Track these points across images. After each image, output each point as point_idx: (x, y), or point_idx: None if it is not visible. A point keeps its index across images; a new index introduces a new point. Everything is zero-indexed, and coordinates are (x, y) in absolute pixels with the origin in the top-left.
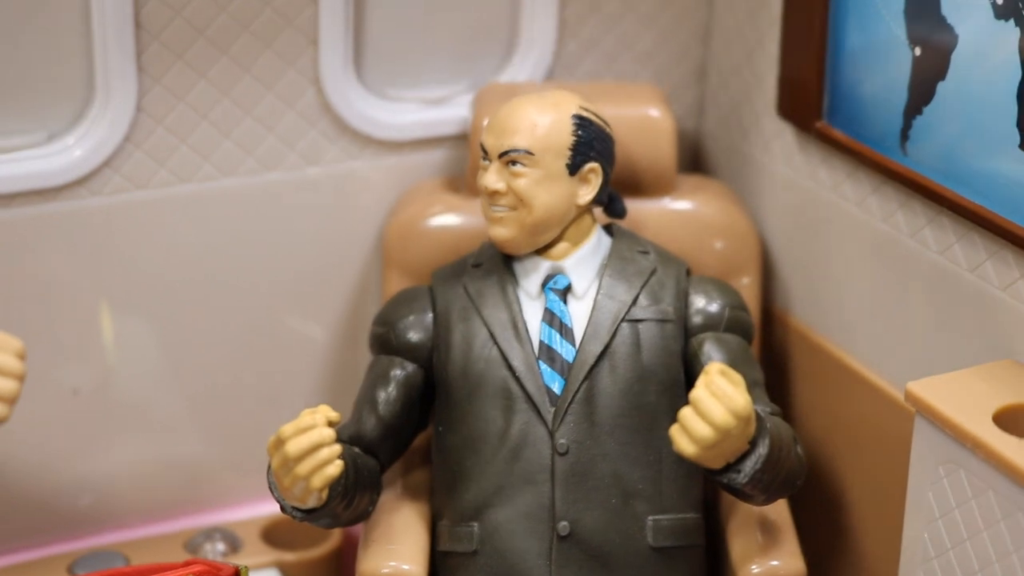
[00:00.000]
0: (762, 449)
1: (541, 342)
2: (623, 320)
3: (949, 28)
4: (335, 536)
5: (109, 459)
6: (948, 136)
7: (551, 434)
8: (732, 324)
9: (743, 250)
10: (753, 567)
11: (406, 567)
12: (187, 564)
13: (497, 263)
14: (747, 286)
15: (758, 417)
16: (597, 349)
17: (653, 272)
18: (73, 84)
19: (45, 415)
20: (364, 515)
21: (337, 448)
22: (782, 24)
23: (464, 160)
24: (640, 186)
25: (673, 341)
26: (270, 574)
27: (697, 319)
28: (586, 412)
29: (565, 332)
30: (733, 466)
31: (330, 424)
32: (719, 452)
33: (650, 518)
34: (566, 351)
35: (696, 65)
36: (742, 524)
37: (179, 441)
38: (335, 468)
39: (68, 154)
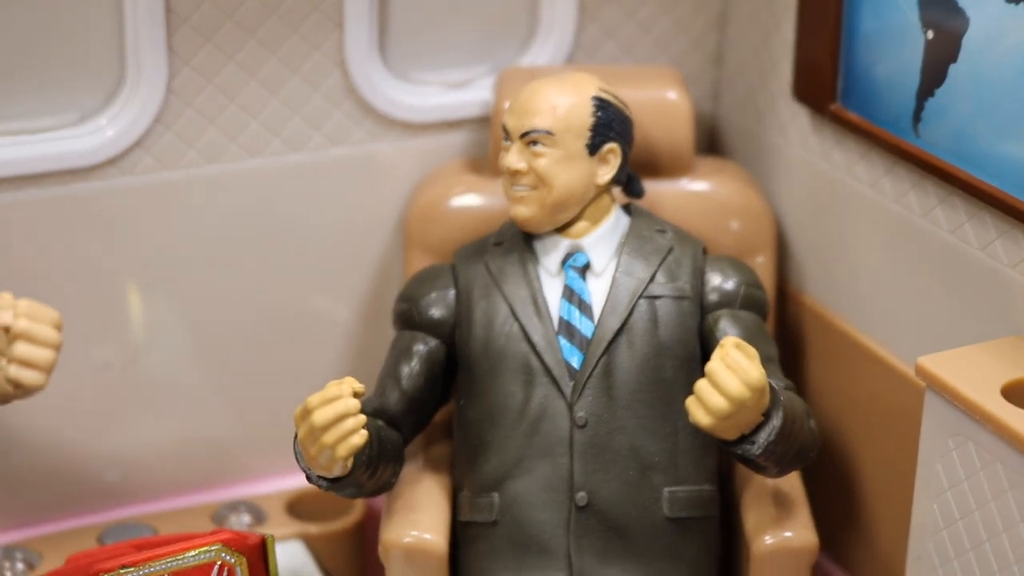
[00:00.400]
0: (776, 421)
1: (560, 318)
2: (641, 296)
3: (961, 11)
4: (358, 508)
5: (138, 433)
6: (960, 117)
7: (570, 407)
8: (747, 301)
9: (758, 230)
10: (767, 538)
11: (428, 536)
12: (214, 533)
13: (518, 242)
14: (762, 265)
15: (772, 390)
16: (615, 325)
17: (670, 250)
18: (105, 66)
19: (76, 389)
20: (387, 486)
21: (362, 418)
22: (797, 8)
23: (485, 142)
24: (658, 167)
25: (690, 317)
26: (295, 545)
27: (713, 296)
28: (604, 386)
29: (584, 308)
30: (747, 437)
31: (355, 395)
32: (734, 423)
33: (666, 489)
34: (585, 327)
35: (713, 50)
36: (756, 496)
37: (206, 416)
38: (360, 438)
39: (100, 135)
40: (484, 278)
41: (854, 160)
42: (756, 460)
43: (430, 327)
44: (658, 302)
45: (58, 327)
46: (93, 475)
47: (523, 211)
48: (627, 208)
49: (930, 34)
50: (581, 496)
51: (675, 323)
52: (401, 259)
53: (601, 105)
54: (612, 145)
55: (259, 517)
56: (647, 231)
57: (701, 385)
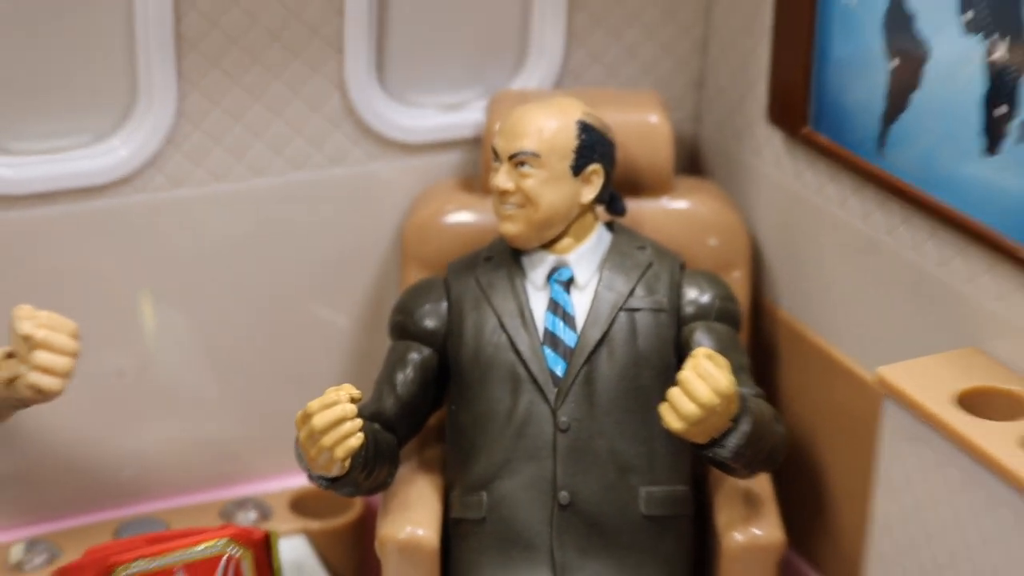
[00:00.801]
0: (744, 426)
1: (545, 329)
2: (621, 309)
3: (922, 42)
4: (357, 506)
5: (151, 435)
6: (921, 141)
7: (553, 413)
8: (721, 314)
9: (735, 246)
10: (737, 535)
11: (421, 532)
12: (221, 528)
13: (506, 257)
14: (738, 280)
15: (741, 397)
16: (596, 335)
17: (649, 266)
18: (118, 90)
19: (93, 395)
20: (383, 485)
21: (358, 422)
22: (772, 38)
23: (478, 162)
24: (640, 186)
25: (667, 329)
26: (298, 540)
27: (689, 309)
28: (586, 393)
29: (568, 320)
30: (718, 441)
31: (352, 400)
32: (704, 428)
33: (643, 489)
34: (568, 337)
35: (695, 73)
36: (728, 496)
37: (214, 419)
38: (356, 440)
39: (114, 155)
40: (475, 291)
41: (824, 181)
42: (726, 462)
43: (424, 337)
44: (637, 314)
45: (75, 336)
46: (110, 474)
47: (511, 228)
48: (610, 225)
49: (894, 63)
50: (563, 495)
51: (653, 334)
52: (398, 271)
53: (585, 129)
54: (595, 166)
55: (265, 513)
56: (628, 248)
57: (674, 392)
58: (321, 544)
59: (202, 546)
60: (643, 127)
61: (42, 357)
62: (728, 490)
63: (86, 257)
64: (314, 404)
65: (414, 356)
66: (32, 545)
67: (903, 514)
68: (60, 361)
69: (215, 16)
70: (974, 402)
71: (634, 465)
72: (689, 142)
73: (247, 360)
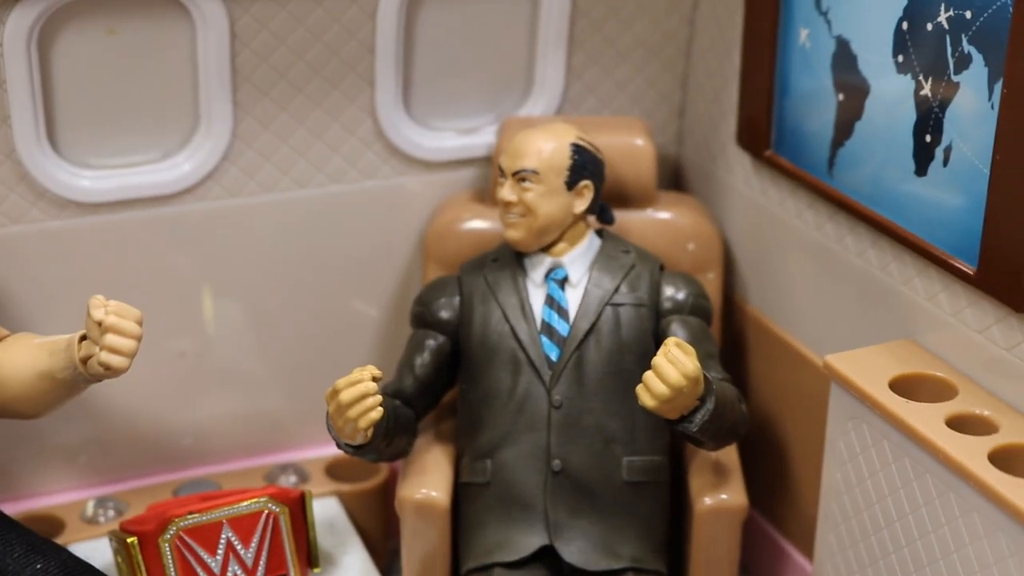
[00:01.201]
0: (709, 404)
1: (543, 320)
2: (607, 304)
3: (864, 80)
4: (383, 471)
5: (206, 408)
6: (865, 164)
7: (548, 392)
8: (695, 309)
9: (710, 251)
10: (706, 499)
11: (434, 493)
12: (264, 489)
13: (511, 259)
14: (712, 280)
15: (707, 380)
16: (586, 326)
17: (632, 267)
18: (184, 116)
19: (158, 373)
20: (404, 453)
21: (379, 398)
22: (741, 75)
23: (490, 177)
24: (628, 199)
25: (647, 321)
26: (331, 501)
27: (667, 304)
28: (576, 375)
29: (562, 313)
30: (687, 417)
31: (374, 379)
32: (674, 406)
33: (625, 459)
34: (562, 327)
35: (677, 103)
36: (699, 466)
37: (261, 395)
38: (377, 413)
39: (179, 169)
40: (483, 287)
41: (785, 196)
42: (694, 436)
43: (439, 326)
44: (621, 309)
45: (140, 322)
46: (170, 441)
47: (514, 234)
48: (600, 233)
49: (841, 97)
50: (556, 463)
51: (635, 326)
52: (420, 270)
53: (578, 150)
54: (586, 182)
55: (303, 477)
56: (614, 251)
57: (648, 375)
58: (351, 504)
59: (246, 503)
60: (631, 149)
61: (111, 339)
62: (700, 461)
63: (155, 256)
64: (341, 382)
65: (431, 342)
66: (102, 502)
67: (847, 481)
68: (126, 343)
69: (265, 54)
70: (907, 386)
71: (617, 437)
72: (672, 162)
73: (291, 344)
